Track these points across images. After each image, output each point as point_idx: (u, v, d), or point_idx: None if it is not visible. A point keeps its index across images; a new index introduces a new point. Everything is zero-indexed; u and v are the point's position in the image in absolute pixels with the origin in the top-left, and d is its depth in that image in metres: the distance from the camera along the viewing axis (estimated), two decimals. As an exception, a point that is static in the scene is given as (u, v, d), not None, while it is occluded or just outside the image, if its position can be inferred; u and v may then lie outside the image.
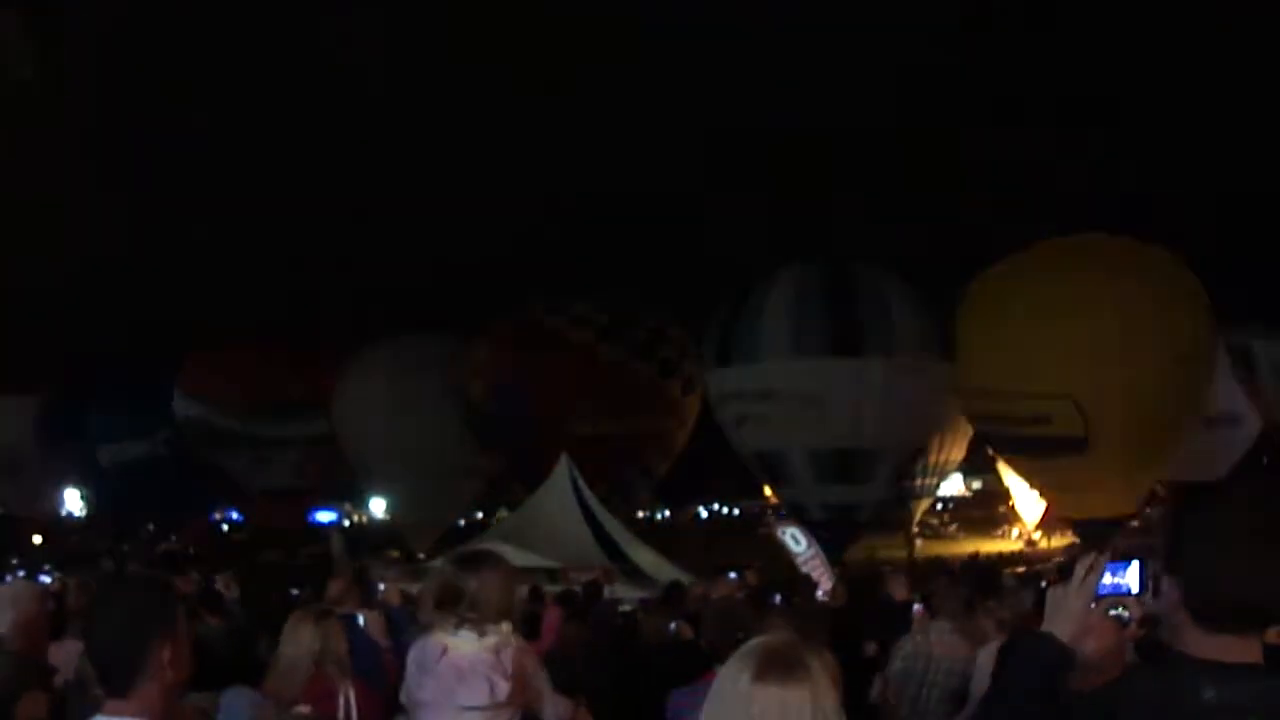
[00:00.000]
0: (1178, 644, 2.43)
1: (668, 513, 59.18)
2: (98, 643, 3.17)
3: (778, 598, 15.10)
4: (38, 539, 44.14)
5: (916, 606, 11.11)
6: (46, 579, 13.43)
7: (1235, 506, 2.42)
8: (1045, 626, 2.68)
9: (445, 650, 4.60)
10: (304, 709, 4.98)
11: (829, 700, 2.56)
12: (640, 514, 46.03)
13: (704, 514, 63.48)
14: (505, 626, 4.71)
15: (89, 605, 7.92)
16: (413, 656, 4.84)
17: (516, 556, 21.80)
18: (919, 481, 28.90)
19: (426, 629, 4.93)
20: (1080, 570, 2.73)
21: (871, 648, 9.82)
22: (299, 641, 5.30)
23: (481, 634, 4.60)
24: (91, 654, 3.25)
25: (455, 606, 4.67)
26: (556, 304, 30.14)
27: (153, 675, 3.05)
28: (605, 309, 29.81)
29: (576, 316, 29.34)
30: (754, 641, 2.71)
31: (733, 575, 22.12)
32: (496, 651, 4.60)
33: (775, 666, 2.55)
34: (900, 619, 10.86)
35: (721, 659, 4.95)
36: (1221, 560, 2.36)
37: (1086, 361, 21.40)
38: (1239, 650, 2.34)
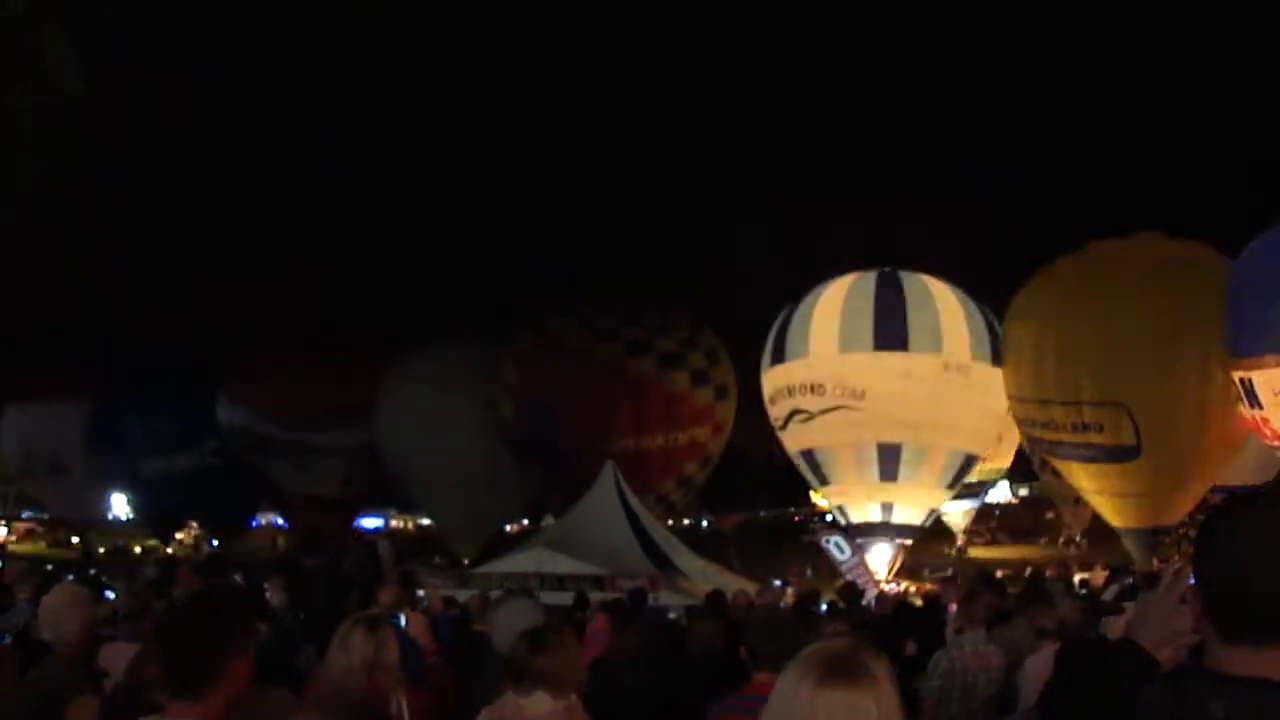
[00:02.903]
0: (1205, 657, 2.41)
1: (711, 519, 59.00)
2: (176, 648, 3.26)
3: (824, 607, 15.10)
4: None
5: (952, 606, 11.11)
6: (110, 594, 13.50)
7: (1252, 519, 2.39)
8: (1130, 634, 2.67)
9: (519, 710, 4.78)
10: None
11: (892, 703, 2.55)
12: (686, 521, 46.07)
13: (748, 521, 63.16)
14: (574, 697, 4.90)
15: (138, 609, 8.02)
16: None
17: (563, 563, 21.99)
18: (966, 487, 28.77)
19: (496, 698, 5.08)
20: (1165, 578, 2.71)
21: (911, 647, 9.84)
22: (351, 650, 5.29)
23: (555, 698, 4.78)
24: (168, 658, 3.32)
25: (524, 679, 4.85)
26: (583, 315, 30.13)
27: (222, 684, 3.20)
28: (633, 319, 29.79)
29: (603, 330, 29.31)
30: (814, 647, 2.69)
31: (777, 583, 22.15)
32: (569, 711, 4.79)
33: (840, 671, 2.53)
34: (941, 621, 10.88)
35: (763, 667, 4.99)
36: (1237, 573, 2.33)
37: (1137, 369, 21.21)
38: (1257, 664, 2.29)
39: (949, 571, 25.54)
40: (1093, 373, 21.74)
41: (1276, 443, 19.93)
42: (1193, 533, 29.66)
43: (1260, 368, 18.89)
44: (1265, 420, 19.48)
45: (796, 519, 56.68)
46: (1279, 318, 18.45)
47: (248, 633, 3.34)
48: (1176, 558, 26.41)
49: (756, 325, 28.82)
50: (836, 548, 24.68)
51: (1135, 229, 23.65)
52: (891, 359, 25.23)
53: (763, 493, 54.72)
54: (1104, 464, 22.53)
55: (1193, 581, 2.51)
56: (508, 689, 4.96)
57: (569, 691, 4.89)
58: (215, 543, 38.79)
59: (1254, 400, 19.24)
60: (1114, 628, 5.89)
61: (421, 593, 15.73)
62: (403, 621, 7.47)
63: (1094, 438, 22.18)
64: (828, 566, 25.12)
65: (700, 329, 30.73)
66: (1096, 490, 23.93)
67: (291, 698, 4.82)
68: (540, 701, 4.77)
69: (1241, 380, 19.38)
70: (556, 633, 5.21)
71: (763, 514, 62.89)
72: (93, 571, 23.66)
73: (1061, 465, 24.80)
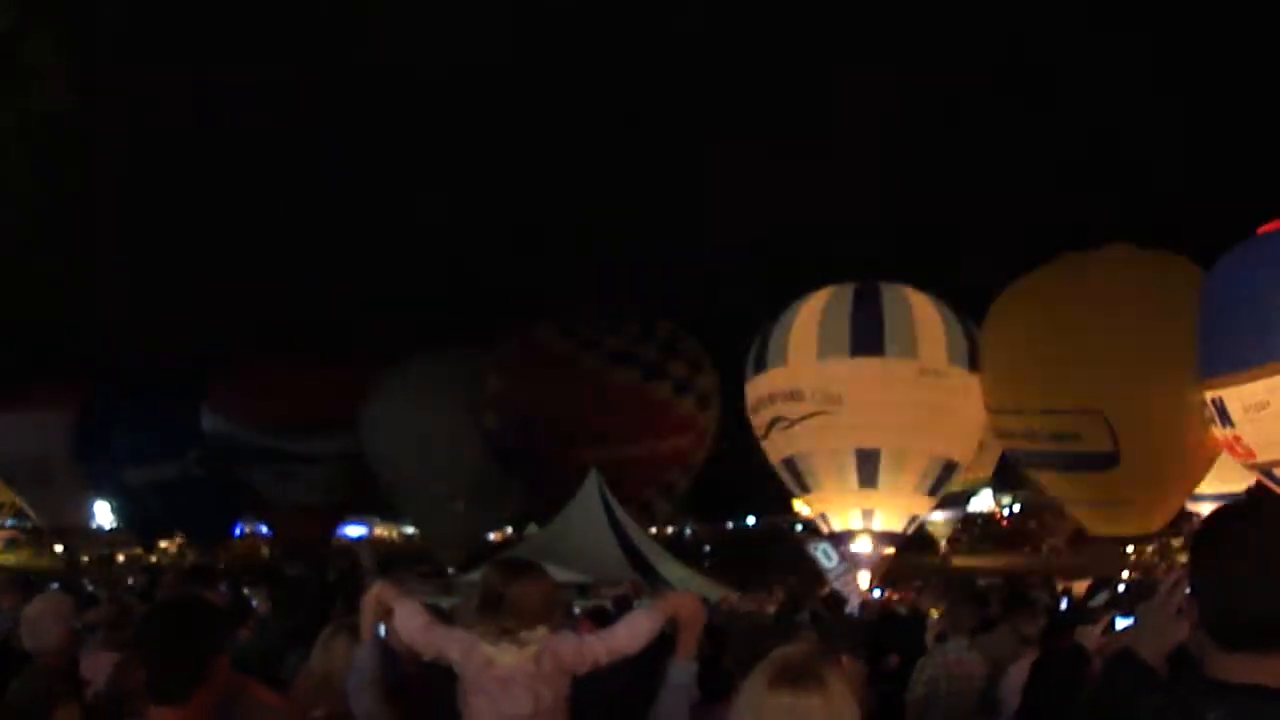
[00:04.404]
0: (1201, 664, 2.42)
1: (695, 527, 59.04)
2: (159, 656, 3.28)
3: (807, 614, 15.13)
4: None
5: (933, 616, 11.17)
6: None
7: (1248, 525, 2.41)
8: (1132, 644, 2.69)
9: (489, 663, 4.73)
10: (318, 714, 5.01)
11: (846, 711, 2.58)
12: (670, 529, 46.01)
13: (732, 528, 63.24)
14: (541, 630, 4.82)
15: (120, 618, 8.00)
16: (459, 669, 4.93)
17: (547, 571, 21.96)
18: (948, 495, 28.75)
19: (467, 640, 5.03)
20: (1162, 589, 2.72)
21: (893, 660, 9.87)
22: (333, 656, 5.29)
23: (521, 644, 4.71)
24: (152, 666, 3.33)
25: (496, 611, 4.78)
26: (566, 324, 30.16)
27: (204, 688, 3.22)
28: (615, 328, 29.83)
29: (586, 340, 29.35)
30: (774, 653, 2.73)
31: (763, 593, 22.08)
32: (537, 660, 4.71)
33: (787, 676, 2.58)
34: (924, 628, 10.93)
35: (746, 676, 5.00)
36: (1234, 579, 2.34)
37: (1114, 376, 21.23)
38: (1255, 671, 2.30)
39: (918, 582, 25.48)
40: (1070, 380, 21.75)
41: (1249, 460, 19.92)
42: (1175, 541, 29.84)
43: (1231, 385, 18.91)
44: (1237, 438, 19.47)
45: (783, 525, 56.65)
46: (1247, 333, 18.48)
47: (221, 634, 3.38)
48: (1162, 567, 26.45)
49: (741, 334, 28.86)
50: (824, 555, 24.54)
51: (1107, 241, 23.75)
52: (868, 364, 25.22)
53: (746, 501, 54.78)
54: (1082, 472, 22.56)
55: (1189, 591, 2.52)
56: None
57: (535, 626, 4.83)
58: (200, 551, 38.62)
59: (1225, 419, 19.25)
60: (1090, 636, 5.91)
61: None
62: (383, 631, 7.45)
63: (1072, 446, 22.20)
64: (811, 574, 25.03)
65: (682, 338, 30.78)
66: (1075, 499, 23.99)
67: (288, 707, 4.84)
68: (506, 652, 4.75)
69: (1213, 400, 19.40)
70: (528, 563, 5.25)
71: (746, 522, 62.95)
72: (84, 580, 23.60)
73: (1040, 475, 24.84)
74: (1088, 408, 21.69)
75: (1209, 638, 2.40)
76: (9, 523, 51.50)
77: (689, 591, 5.23)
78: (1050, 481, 24.64)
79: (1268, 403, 18.36)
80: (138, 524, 38.40)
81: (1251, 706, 2.29)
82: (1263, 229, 19.67)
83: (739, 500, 54.63)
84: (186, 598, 4.83)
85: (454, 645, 4.88)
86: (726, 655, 5.46)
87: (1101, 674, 2.74)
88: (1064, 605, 15.48)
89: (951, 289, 27.15)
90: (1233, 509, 2.52)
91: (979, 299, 25.53)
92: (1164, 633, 2.63)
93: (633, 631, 4.78)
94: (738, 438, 29.97)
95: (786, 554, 39.65)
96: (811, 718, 2.54)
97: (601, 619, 10.91)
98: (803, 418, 25.81)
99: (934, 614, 13.55)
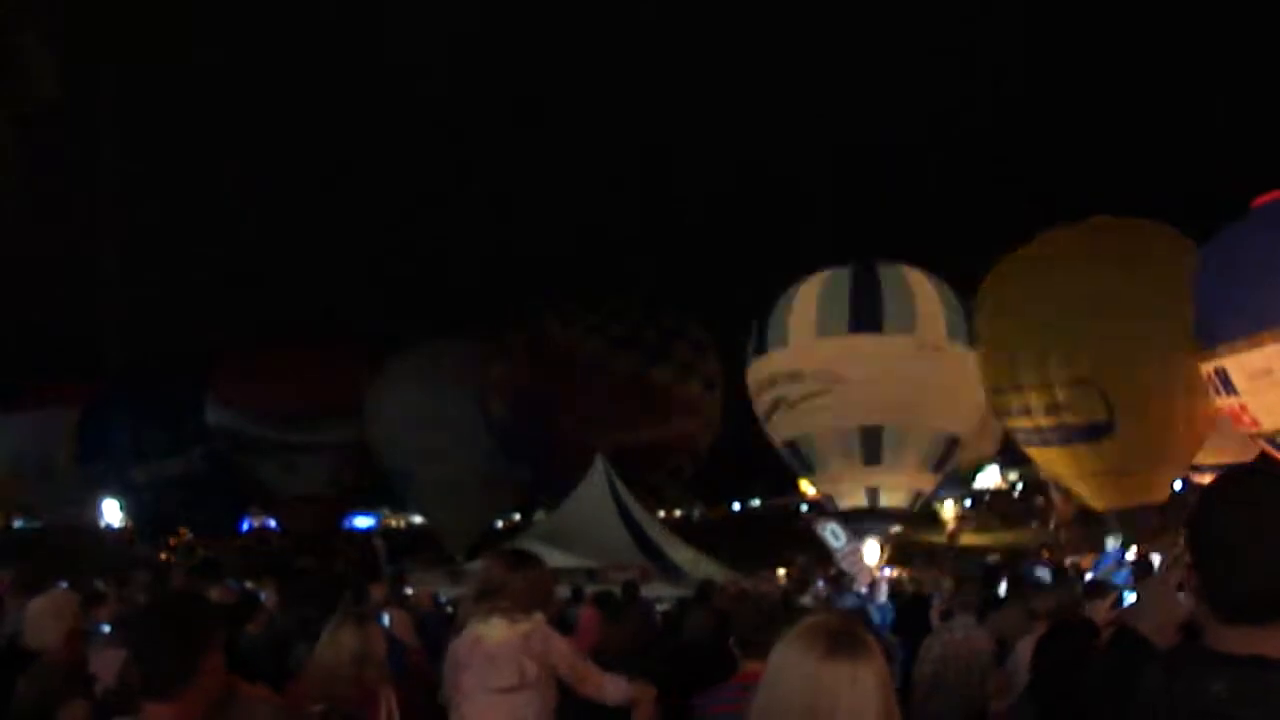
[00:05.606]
0: (1204, 636, 2.41)
1: (702, 510, 59.15)
2: (149, 651, 3.28)
3: (821, 583, 15.17)
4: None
5: (935, 596, 11.18)
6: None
7: (1243, 497, 2.40)
8: (1132, 620, 2.68)
9: (478, 640, 4.86)
10: (317, 709, 5.02)
11: (886, 676, 2.61)
12: (677, 512, 46.07)
13: (739, 510, 63.34)
14: (538, 616, 4.93)
15: (130, 614, 8.02)
16: (449, 657, 5.05)
17: (555, 558, 21.97)
18: (953, 472, 28.72)
19: (463, 627, 5.16)
20: (1163, 563, 2.71)
21: (893, 639, 9.87)
22: (340, 645, 5.31)
23: (513, 621, 4.83)
24: (144, 662, 3.34)
25: (493, 598, 4.91)
26: (569, 312, 30.13)
27: (197, 684, 3.20)
28: (619, 314, 29.79)
29: (590, 326, 29.32)
30: (813, 620, 2.72)
31: (779, 572, 22.09)
32: (526, 637, 4.82)
33: (845, 644, 2.58)
34: (924, 610, 10.94)
35: (752, 656, 5.00)
36: (1232, 551, 2.34)
37: (1103, 344, 21.19)
38: (1257, 642, 2.30)
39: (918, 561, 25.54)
40: (1060, 353, 21.71)
41: (1254, 429, 19.82)
42: (1184, 514, 29.85)
43: (1233, 353, 18.81)
44: (1243, 407, 19.38)
45: (789, 507, 56.74)
46: (1247, 300, 18.38)
47: (215, 632, 3.38)
48: (1170, 542, 26.37)
49: (745, 317, 28.84)
50: (833, 535, 24.52)
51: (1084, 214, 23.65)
52: (866, 341, 25.17)
53: (753, 483, 54.90)
54: (1079, 444, 22.48)
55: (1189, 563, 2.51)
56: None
57: (534, 610, 4.97)
58: (207, 546, 38.66)
59: (1229, 388, 19.16)
60: (1098, 610, 5.90)
61: (410, 590, 15.76)
62: (386, 620, 7.51)
63: (1067, 418, 22.14)
64: (820, 555, 25.05)
65: (686, 321, 30.73)
66: (1075, 474, 23.85)
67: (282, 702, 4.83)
68: (496, 628, 4.87)
69: (1216, 371, 19.31)
70: (526, 554, 5.57)
71: (753, 504, 63.08)
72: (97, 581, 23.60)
73: (1038, 453, 24.73)
74: (1081, 378, 21.65)
75: (1209, 609, 2.39)
76: (18, 523, 51.57)
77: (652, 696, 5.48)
78: (1049, 459, 24.54)
79: (1271, 369, 18.29)
80: (145, 521, 38.44)
81: (1254, 677, 2.28)
82: (1257, 201, 19.57)
83: (745, 483, 54.78)
84: (181, 594, 4.85)
85: (452, 649, 5.10)
86: (731, 637, 5.45)
87: (1103, 651, 2.73)
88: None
89: (946, 266, 27.12)
90: (1229, 479, 2.50)
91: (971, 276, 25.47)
92: (1163, 609, 2.62)
93: (615, 689, 5.07)
94: (742, 420, 29.99)
95: (793, 535, 39.75)
96: (868, 683, 2.56)
97: (608, 604, 10.95)
98: (804, 398, 25.76)
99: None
